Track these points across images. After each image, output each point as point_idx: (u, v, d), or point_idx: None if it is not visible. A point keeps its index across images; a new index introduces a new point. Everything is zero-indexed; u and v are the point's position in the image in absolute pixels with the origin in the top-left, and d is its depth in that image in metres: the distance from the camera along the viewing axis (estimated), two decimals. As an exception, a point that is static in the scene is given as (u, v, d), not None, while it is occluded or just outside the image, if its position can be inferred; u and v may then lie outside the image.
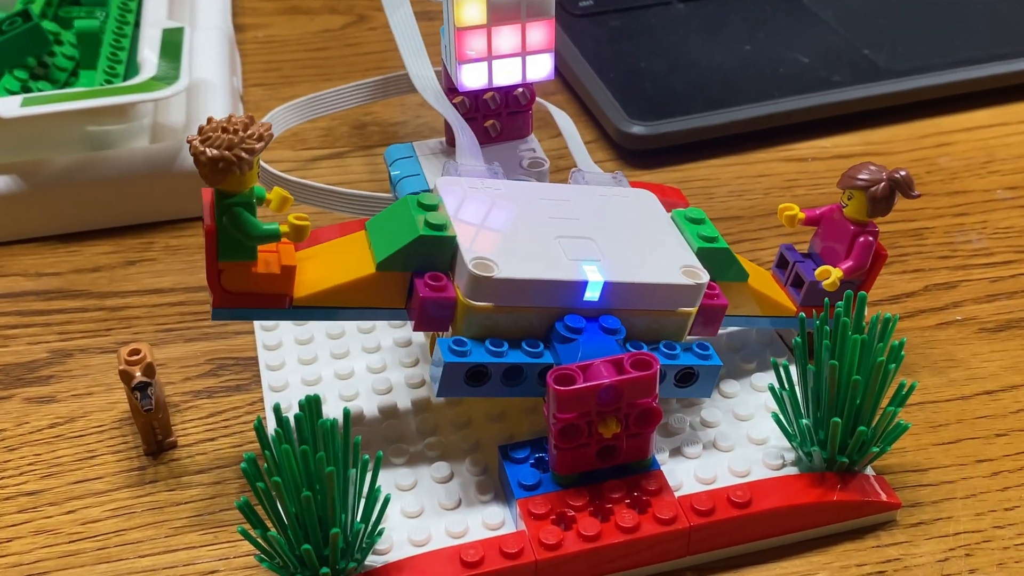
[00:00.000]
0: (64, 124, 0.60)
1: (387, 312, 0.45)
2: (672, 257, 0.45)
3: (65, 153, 0.61)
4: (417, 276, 0.43)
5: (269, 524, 0.40)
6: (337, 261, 0.45)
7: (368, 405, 0.49)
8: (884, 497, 0.44)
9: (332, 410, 0.48)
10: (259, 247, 0.42)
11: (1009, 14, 0.76)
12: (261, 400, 0.50)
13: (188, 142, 0.40)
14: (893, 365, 0.43)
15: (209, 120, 0.40)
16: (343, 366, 0.51)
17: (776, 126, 0.68)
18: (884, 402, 0.44)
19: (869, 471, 0.45)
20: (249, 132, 0.39)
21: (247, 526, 0.40)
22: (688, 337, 0.46)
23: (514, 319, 0.43)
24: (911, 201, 0.62)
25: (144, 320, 0.55)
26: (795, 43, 0.73)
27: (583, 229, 0.45)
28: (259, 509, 0.39)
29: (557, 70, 0.74)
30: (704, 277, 0.44)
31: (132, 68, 0.65)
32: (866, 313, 0.48)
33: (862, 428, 0.43)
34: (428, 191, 0.48)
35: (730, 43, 0.73)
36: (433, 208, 0.44)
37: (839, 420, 0.42)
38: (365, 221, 0.57)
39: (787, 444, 0.46)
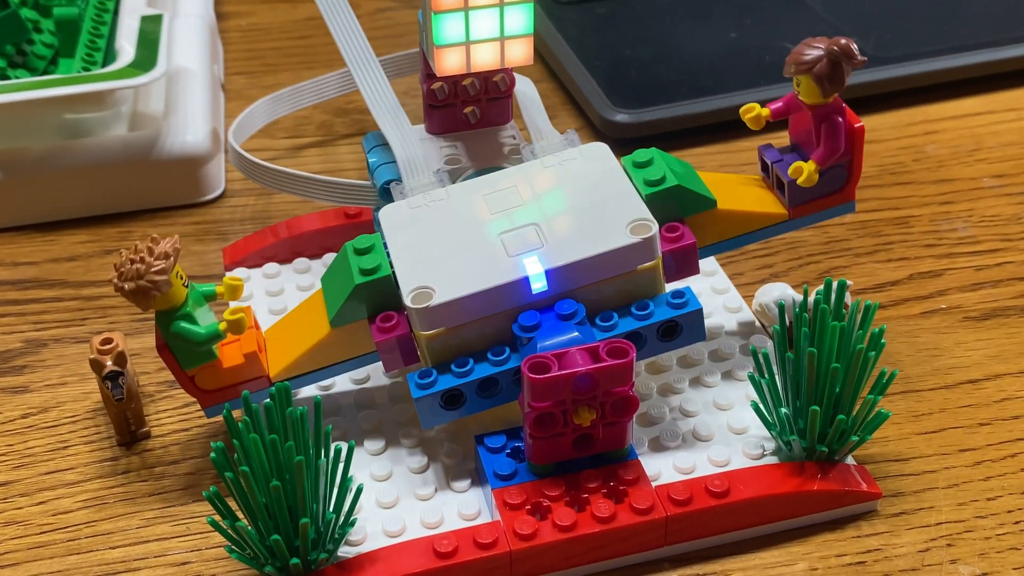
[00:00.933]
0: (41, 112, 0.60)
1: (363, 359, 0.45)
2: (620, 215, 0.43)
3: (42, 141, 0.60)
4: (371, 320, 0.44)
5: (240, 515, 0.39)
6: (300, 327, 0.46)
7: (345, 394, 0.48)
8: (865, 487, 0.44)
9: (309, 399, 0.48)
10: (215, 344, 0.43)
11: (998, 1, 0.75)
12: (236, 390, 0.49)
13: (110, 282, 0.41)
14: (873, 353, 0.42)
15: (120, 252, 0.41)
16: (320, 356, 0.50)
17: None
18: (865, 391, 0.43)
19: (850, 460, 0.45)
20: (155, 254, 0.41)
21: (217, 517, 0.39)
22: (669, 286, 0.45)
23: (474, 332, 0.43)
24: (897, 189, 0.62)
25: (120, 310, 0.55)
26: (782, 30, 0.72)
27: (527, 215, 0.44)
28: (231, 500, 0.39)
29: (541, 57, 0.74)
30: (653, 228, 0.42)
31: (111, 56, 0.64)
32: (848, 301, 0.48)
33: (841, 417, 0.42)
34: (396, 181, 0.47)
35: (716, 31, 0.72)
36: (368, 251, 0.44)
37: (818, 408, 0.42)
38: (343, 209, 0.57)
39: (767, 433, 0.45)
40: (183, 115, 0.62)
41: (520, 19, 0.47)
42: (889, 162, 0.64)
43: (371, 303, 0.44)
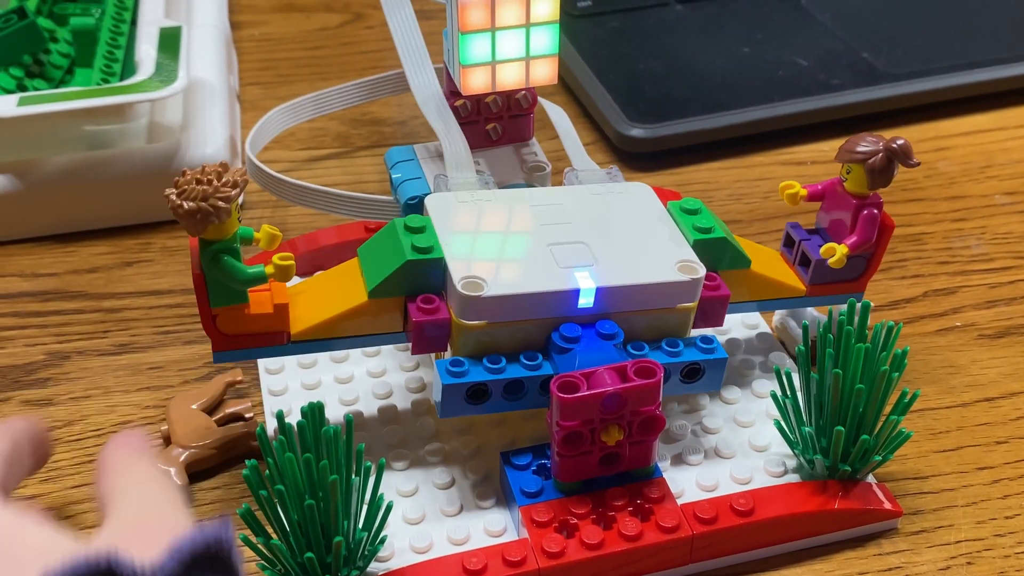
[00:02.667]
0: (61, 124, 0.60)
1: (387, 337, 0.45)
2: (667, 253, 0.44)
3: (62, 153, 0.60)
4: (410, 300, 0.43)
5: (271, 532, 0.40)
6: (331, 292, 0.45)
7: (368, 410, 0.49)
8: (886, 505, 0.44)
9: (331, 415, 0.48)
10: (250, 288, 0.42)
11: (1009, 17, 0.76)
12: (260, 404, 0.50)
13: (165, 197, 0.40)
14: (896, 374, 0.43)
15: (184, 172, 0.40)
16: (343, 370, 0.51)
17: (775, 129, 0.68)
18: (886, 410, 0.44)
19: (871, 479, 0.45)
20: (223, 180, 0.40)
21: (249, 534, 0.39)
22: (693, 331, 0.45)
23: (510, 333, 0.43)
24: (910, 206, 0.62)
25: (142, 322, 0.55)
26: (794, 46, 0.73)
27: (575, 233, 0.45)
28: (261, 516, 0.39)
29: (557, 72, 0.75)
30: (700, 271, 0.44)
31: (129, 67, 0.64)
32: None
33: (865, 437, 0.43)
34: (423, 197, 0.47)
35: (729, 45, 0.73)
36: (421, 230, 0.44)
37: (842, 429, 0.42)
38: (363, 223, 0.58)
39: (789, 451, 0.46)
40: (201, 126, 0.63)
41: (546, 39, 0.48)
42: (902, 178, 0.65)
43: (414, 282, 0.43)
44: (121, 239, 0.60)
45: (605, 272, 0.43)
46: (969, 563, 0.43)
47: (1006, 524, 0.45)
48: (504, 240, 0.44)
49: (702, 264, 0.44)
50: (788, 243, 0.50)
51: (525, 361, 0.43)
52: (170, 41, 0.63)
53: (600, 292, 0.42)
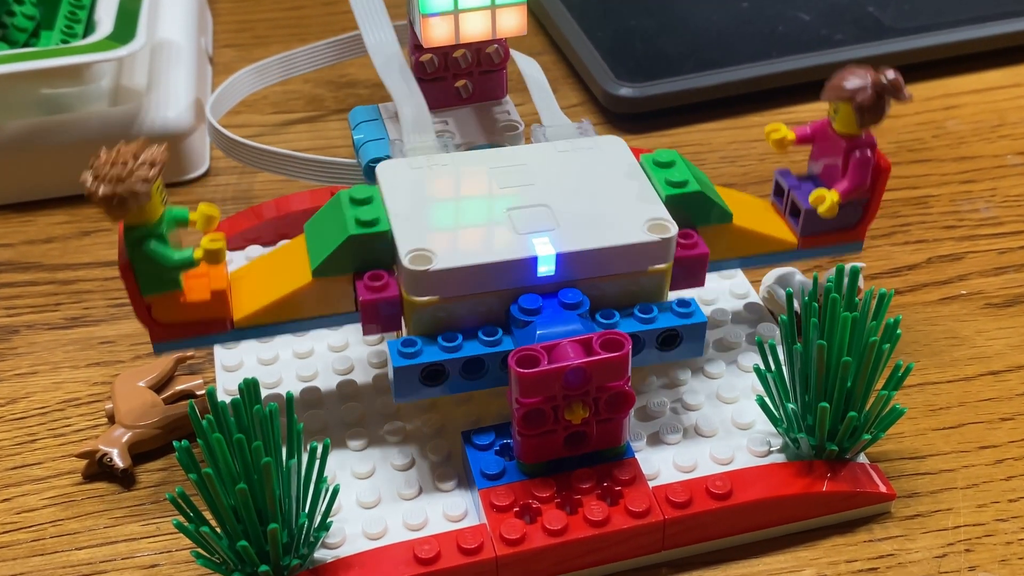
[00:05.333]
0: (15, 86, 0.57)
1: (339, 318, 0.42)
2: (637, 211, 0.41)
3: (18, 117, 0.57)
4: (358, 277, 0.40)
5: (210, 517, 0.37)
6: (275, 273, 0.42)
7: (327, 386, 0.46)
8: (878, 487, 0.41)
9: (289, 390, 0.45)
10: (186, 273, 0.40)
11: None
12: (214, 381, 0.47)
13: (81, 181, 0.37)
14: (887, 345, 0.39)
15: (99, 154, 0.37)
16: (302, 344, 0.48)
17: (773, 88, 0.64)
18: (879, 384, 0.40)
19: (863, 459, 0.42)
20: (140, 160, 0.37)
21: (183, 519, 0.37)
22: (673, 294, 0.42)
23: (467, 308, 0.40)
24: (915, 167, 0.59)
25: (96, 294, 0.52)
26: (794, 0, 0.69)
27: (538, 196, 0.42)
28: (200, 501, 0.36)
29: (542, 28, 0.71)
30: (672, 230, 0.40)
31: (91, 28, 0.61)
32: (862, 286, 0.45)
33: (852, 414, 0.39)
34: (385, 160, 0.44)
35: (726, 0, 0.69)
36: (366, 202, 0.41)
37: (827, 405, 0.39)
38: (335, 190, 0.55)
39: (774, 429, 0.43)
40: (165, 89, 0.60)
41: (512, -15, 0.44)
42: (907, 138, 0.61)
43: (361, 258, 0.40)
44: (80, 208, 0.58)
45: (567, 236, 0.40)
46: (968, 550, 0.40)
47: (1009, 508, 0.41)
48: (457, 208, 0.41)
49: (674, 222, 0.40)
50: (778, 192, 0.47)
51: (484, 337, 0.40)
52: (133, 0, 0.60)
53: (561, 258, 0.39)
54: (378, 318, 0.40)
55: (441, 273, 0.38)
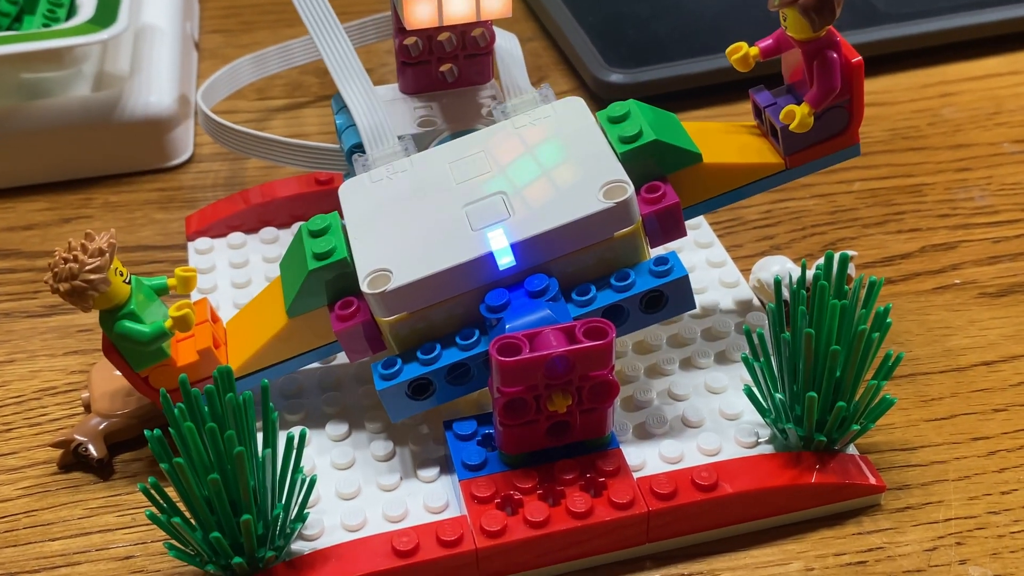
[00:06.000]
0: (-5, 71, 0.56)
1: (326, 349, 0.42)
2: (592, 178, 0.39)
3: (-2, 102, 0.57)
4: (330, 307, 0.40)
5: (184, 507, 0.36)
6: (260, 318, 0.42)
7: (308, 375, 0.45)
8: (867, 479, 0.40)
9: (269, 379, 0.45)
10: (173, 338, 0.40)
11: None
12: (193, 369, 0.46)
13: (44, 283, 0.39)
14: (877, 334, 0.38)
15: (55, 252, 0.38)
16: (283, 332, 0.47)
17: (767, 74, 0.62)
18: (869, 374, 0.39)
19: (852, 450, 0.41)
20: (89, 251, 0.38)
21: (156, 511, 0.36)
22: (655, 251, 0.41)
23: (442, 315, 0.39)
24: (910, 155, 0.58)
25: (75, 282, 0.51)
26: (790, -15, 0.68)
27: (495, 184, 0.40)
28: (173, 491, 0.36)
29: (532, 13, 0.70)
30: (628, 191, 0.38)
31: (74, 13, 0.60)
32: (854, 275, 0.44)
33: (841, 404, 0.38)
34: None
35: (720, -15, 0.68)
36: (323, 232, 0.41)
37: (815, 395, 0.38)
38: (320, 176, 0.54)
39: (762, 420, 0.42)
40: (148, 75, 0.59)
41: (496, -35, 0.43)
42: (902, 126, 0.60)
43: (329, 289, 0.40)
44: (61, 194, 0.57)
45: (520, 224, 0.39)
46: (959, 543, 0.39)
47: (1001, 500, 0.41)
48: (413, 217, 0.40)
49: (630, 181, 0.39)
50: (757, 113, 0.44)
51: (460, 342, 0.39)
52: (115, -17, 0.59)
53: (517, 247, 0.38)
54: (358, 343, 0.40)
55: (400, 290, 0.38)
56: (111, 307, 0.39)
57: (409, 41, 0.47)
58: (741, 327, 0.46)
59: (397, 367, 0.39)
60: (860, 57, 0.42)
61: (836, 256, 0.39)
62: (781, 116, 0.42)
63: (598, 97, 0.62)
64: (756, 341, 0.40)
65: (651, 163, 0.40)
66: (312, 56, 0.61)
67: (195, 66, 0.66)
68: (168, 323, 0.39)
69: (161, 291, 0.41)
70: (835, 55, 0.41)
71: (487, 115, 0.48)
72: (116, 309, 0.39)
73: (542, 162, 0.41)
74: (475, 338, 0.39)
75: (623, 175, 0.39)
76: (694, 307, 0.40)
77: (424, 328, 0.39)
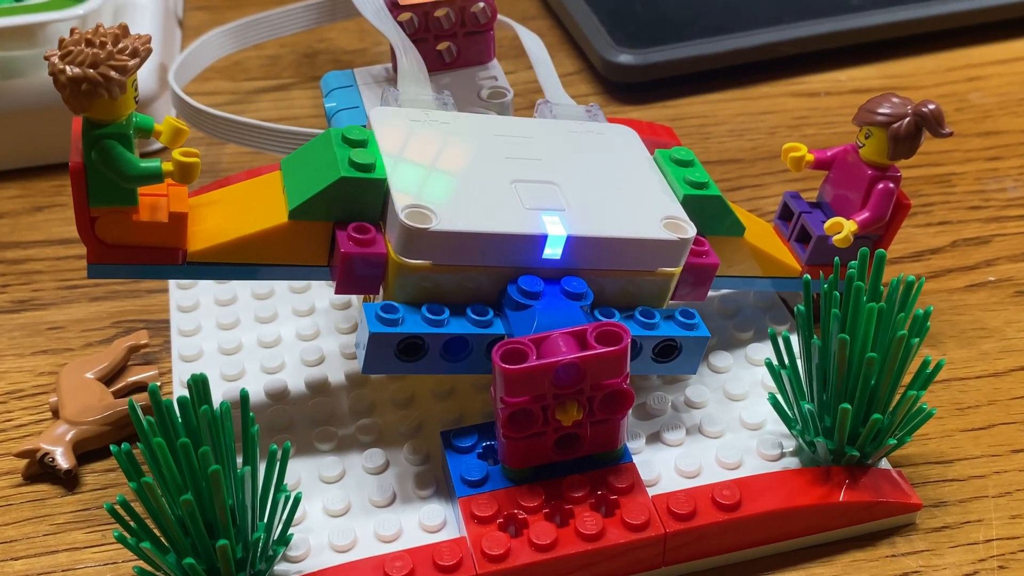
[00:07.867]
0: (-37, 49, 0.53)
1: (304, 270, 0.37)
2: (652, 206, 0.38)
3: (-34, 82, 0.53)
4: (340, 227, 0.36)
5: (154, 527, 0.33)
6: (244, 207, 0.37)
7: (294, 378, 0.42)
8: (904, 496, 0.37)
9: (253, 383, 0.41)
10: (141, 190, 0.35)
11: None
12: (170, 372, 0.43)
13: (46, 59, 0.32)
14: (916, 339, 0.35)
15: (72, 32, 0.33)
16: (268, 332, 0.43)
17: (784, 56, 0.60)
18: (904, 382, 0.36)
19: (884, 464, 0.38)
20: (120, 46, 0.32)
21: (126, 532, 0.32)
22: (671, 302, 0.39)
23: (458, 280, 0.36)
24: (939, 142, 0.54)
25: (46, 275, 0.48)
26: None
27: (546, 172, 0.38)
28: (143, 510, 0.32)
29: (536, -9, 0.67)
30: (690, 231, 0.37)
31: (50, -14, 0.57)
32: (885, 275, 0.41)
33: (877, 416, 0.35)
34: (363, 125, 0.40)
35: (734, -38, 0.65)
36: (362, 144, 0.37)
37: (849, 406, 0.35)
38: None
39: (787, 431, 0.39)
40: (127, 53, 0.55)
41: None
42: (928, 111, 0.57)
43: (347, 205, 0.36)
44: (34, 181, 0.53)
45: (578, 219, 0.36)
46: (1001, 567, 0.36)
47: (1047, 519, 0.38)
48: (460, 168, 0.37)
49: (692, 223, 0.37)
50: (785, 215, 0.44)
51: (472, 315, 0.36)
52: (91, -45, 0.55)
53: (571, 242, 0.35)
54: (356, 277, 0.36)
55: (440, 236, 0.34)
56: (106, 120, 0.33)
57: (404, 17, 0.43)
58: (763, 328, 0.43)
59: (399, 315, 0.35)
60: (911, 202, 0.43)
61: (872, 254, 0.36)
62: (826, 226, 0.41)
63: (606, 79, 0.59)
64: (782, 346, 0.37)
65: (704, 217, 0.39)
66: (288, 29, 0.58)
67: (178, 44, 0.62)
68: (168, 166, 0.34)
69: (145, 132, 0.35)
70: (894, 188, 0.41)
71: (488, 97, 0.44)
72: (110, 124, 0.33)
73: (598, 173, 0.39)
74: (488, 317, 0.36)
75: (685, 215, 0.38)
76: (694, 372, 0.39)
77: (432, 287, 0.36)
